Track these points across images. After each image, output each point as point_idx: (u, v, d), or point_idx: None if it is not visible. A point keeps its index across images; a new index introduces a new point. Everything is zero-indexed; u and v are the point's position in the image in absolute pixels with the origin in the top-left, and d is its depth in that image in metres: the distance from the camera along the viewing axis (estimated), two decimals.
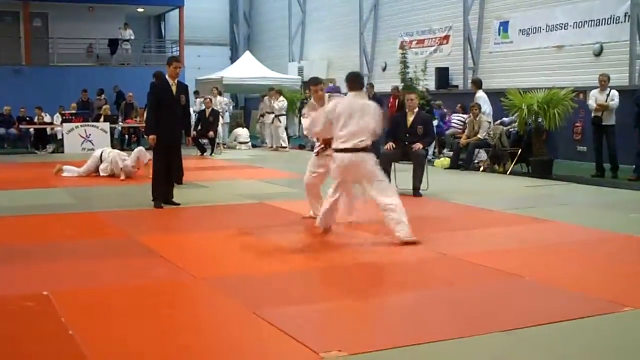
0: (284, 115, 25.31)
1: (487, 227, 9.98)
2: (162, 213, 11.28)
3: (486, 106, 18.19)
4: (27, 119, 26.38)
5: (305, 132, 9.85)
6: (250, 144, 26.29)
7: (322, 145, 9.92)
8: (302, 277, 7.12)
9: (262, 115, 26.49)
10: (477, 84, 19.35)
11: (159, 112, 11.41)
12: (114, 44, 33.79)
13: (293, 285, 6.78)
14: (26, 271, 7.26)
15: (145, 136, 12.02)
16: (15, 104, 26.69)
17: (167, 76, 11.61)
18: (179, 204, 11.63)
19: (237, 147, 25.63)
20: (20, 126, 26.28)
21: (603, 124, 15.75)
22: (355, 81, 9.14)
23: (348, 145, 8.66)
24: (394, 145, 12.89)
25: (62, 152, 23.51)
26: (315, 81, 10.58)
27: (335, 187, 9.02)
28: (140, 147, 16.41)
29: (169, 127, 11.45)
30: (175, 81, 11.56)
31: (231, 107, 27.87)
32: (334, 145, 8.91)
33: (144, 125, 18.54)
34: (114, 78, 30.33)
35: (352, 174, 8.80)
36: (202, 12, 38.63)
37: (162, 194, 11.58)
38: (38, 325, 5.53)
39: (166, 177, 11.70)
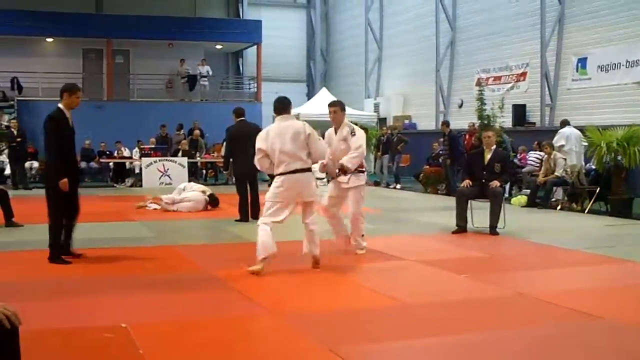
0: None
1: (565, 266, 9.81)
2: (237, 247, 11.34)
3: (566, 142, 17.92)
4: (107, 153, 26.98)
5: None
6: (326, 179, 26.31)
7: (337, 171, 10.44)
8: (379, 314, 7.07)
9: None
10: (562, 123, 19.05)
11: (63, 151, 9.84)
12: (192, 79, 34.36)
13: (370, 323, 6.74)
14: (105, 303, 7.37)
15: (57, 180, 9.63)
16: (96, 138, 27.32)
17: (62, 107, 9.94)
18: (79, 255, 10.07)
19: None
20: (101, 160, 26.88)
21: None
22: (278, 105, 9.47)
23: (290, 168, 8.99)
24: (470, 183, 12.80)
25: (141, 186, 23.92)
26: (331, 103, 11.17)
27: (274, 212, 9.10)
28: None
29: (72, 165, 10.17)
30: (70, 113, 10.03)
31: None
32: (275, 171, 9.14)
33: (221, 160, 18.83)
34: (192, 113, 30.77)
35: (296, 195, 9.12)
36: (279, 49, 39.08)
37: (61, 245, 9.90)
38: (117, 356, 5.61)
39: (63, 225, 9.93)
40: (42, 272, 9.16)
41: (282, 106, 9.46)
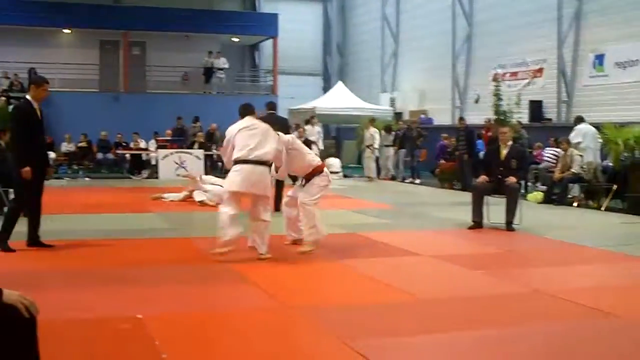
0: (371, 145, 25.26)
1: (580, 263, 9.79)
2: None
3: (583, 139, 17.87)
4: (124, 144, 27.06)
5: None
6: (341, 174, 26.35)
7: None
8: (394, 309, 7.06)
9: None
10: (577, 120, 19.01)
11: (29, 141, 9.87)
12: (208, 72, 34.41)
13: (385, 317, 6.75)
14: (121, 294, 7.40)
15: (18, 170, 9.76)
16: (113, 129, 27.43)
17: (30, 98, 9.94)
18: (50, 245, 10.10)
19: None
20: (117, 151, 26.97)
21: None
22: (246, 109, 10.03)
23: (249, 157, 9.36)
24: (487, 179, 12.76)
25: (157, 177, 23.99)
26: None
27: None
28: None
29: (40, 155, 10.11)
30: (39, 105, 10.05)
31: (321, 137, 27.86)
32: (233, 157, 9.50)
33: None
34: (208, 106, 30.82)
35: (251, 184, 9.38)
36: (295, 43, 39.05)
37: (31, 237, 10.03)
38: (132, 347, 5.64)
39: (34, 215, 10.12)
40: (59, 262, 9.23)
41: (248, 109, 10.03)
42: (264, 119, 14.85)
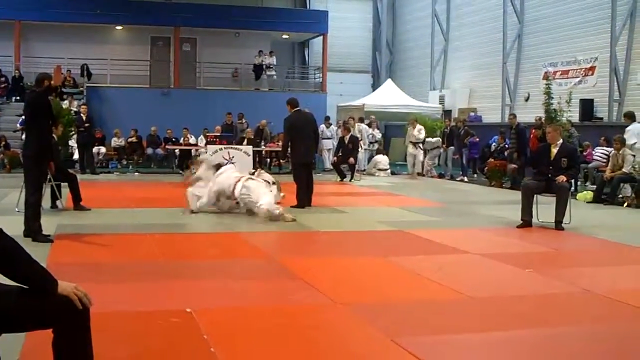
0: (420, 142, 25.15)
1: (632, 264, 9.66)
2: (302, 237, 11.38)
3: (638, 139, 17.63)
4: (174, 140, 27.28)
5: None
6: (389, 171, 26.30)
7: None
8: (442, 306, 7.04)
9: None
10: (630, 117, 18.77)
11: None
12: (258, 69, 34.56)
13: (432, 315, 6.72)
14: (170, 288, 7.45)
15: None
16: (163, 125, 27.67)
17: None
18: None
19: (375, 174, 25.66)
20: (167, 147, 27.18)
21: None
22: None
23: None
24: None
25: None
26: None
27: None
28: None
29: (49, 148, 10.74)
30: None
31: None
32: None
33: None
34: (258, 103, 30.96)
35: None
36: (345, 40, 39.13)
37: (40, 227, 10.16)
38: (182, 341, 5.67)
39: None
40: (107, 255, 9.33)
41: None
42: (292, 117, 15.12)
